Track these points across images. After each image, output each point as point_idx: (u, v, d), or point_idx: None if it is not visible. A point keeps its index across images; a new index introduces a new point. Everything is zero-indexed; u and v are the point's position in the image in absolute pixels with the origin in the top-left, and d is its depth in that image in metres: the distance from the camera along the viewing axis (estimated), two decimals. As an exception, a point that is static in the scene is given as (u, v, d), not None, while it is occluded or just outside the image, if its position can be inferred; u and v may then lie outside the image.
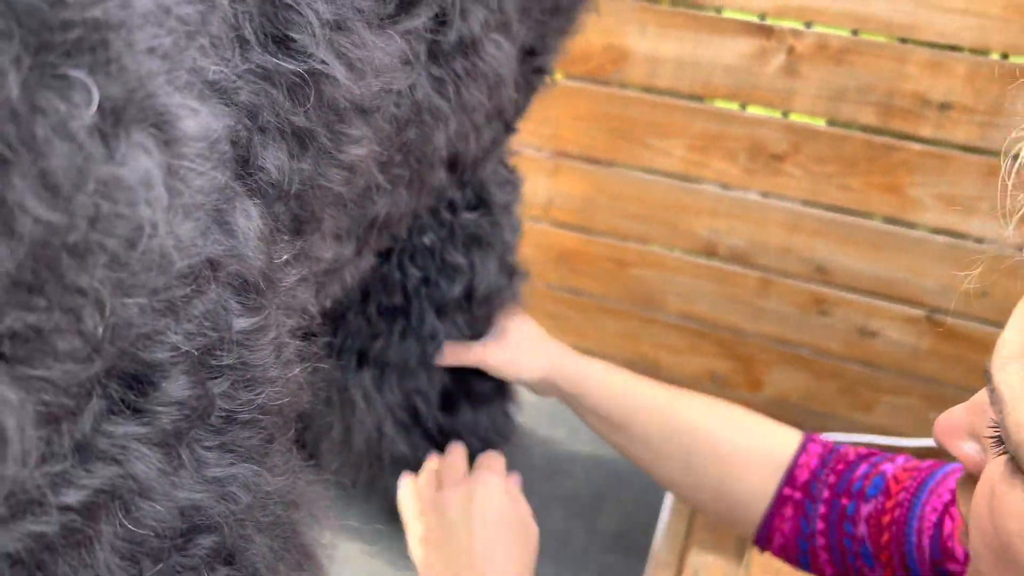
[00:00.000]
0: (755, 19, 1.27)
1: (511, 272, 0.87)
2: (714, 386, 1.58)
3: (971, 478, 0.47)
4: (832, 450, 0.78)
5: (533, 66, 0.76)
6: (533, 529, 0.73)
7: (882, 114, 1.26)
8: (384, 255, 0.77)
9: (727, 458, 0.77)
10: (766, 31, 1.26)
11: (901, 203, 1.32)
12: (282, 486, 0.43)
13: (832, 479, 0.75)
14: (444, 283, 0.78)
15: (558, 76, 1.40)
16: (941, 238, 1.32)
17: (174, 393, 0.35)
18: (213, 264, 0.36)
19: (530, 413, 1.07)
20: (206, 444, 0.37)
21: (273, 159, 0.41)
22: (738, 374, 1.56)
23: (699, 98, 1.36)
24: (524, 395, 1.09)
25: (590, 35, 1.33)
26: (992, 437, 0.43)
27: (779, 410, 1.46)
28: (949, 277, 1.33)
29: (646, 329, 1.60)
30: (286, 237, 0.43)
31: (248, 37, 0.39)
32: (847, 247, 1.39)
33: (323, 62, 0.42)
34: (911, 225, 1.34)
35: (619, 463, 0.99)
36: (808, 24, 1.25)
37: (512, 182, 0.84)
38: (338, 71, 0.43)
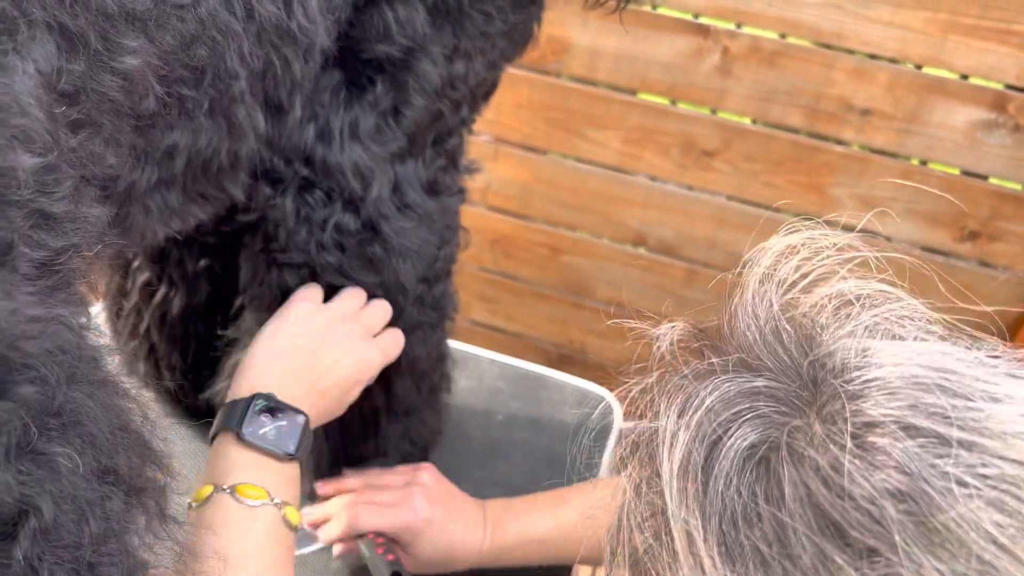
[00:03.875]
0: (691, 18, 1.31)
1: (426, 302, 0.84)
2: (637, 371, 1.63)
3: None
4: None
5: None
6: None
7: (808, 117, 1.32)
8: (296, 267, 0.77)
9: None
10: (703, 30, 1.30)
11: (821, 202, 1.39)
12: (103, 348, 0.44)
13: None
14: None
15: (501, 64, 1.42)
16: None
17: None
18: None
19: (467, 399, 1.09)
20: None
21: (41, 51, 0.42)
22: (662, 360, 1.61)
23: (636, 92, 1.39)
24: (460, 382, 1.11)
25: (533, 25, 1.35)
26: None
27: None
28: (862, 274, 1.41)
29: (575, 314, 1.64)
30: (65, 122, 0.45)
31: None
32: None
33: None
34: (829, 224, 1.41)
35: (555, 449, 1.02)
36: (739, 25, 1.29)
37: (421, 208, 0.79)
38: None
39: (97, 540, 0.40)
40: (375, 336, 0.76)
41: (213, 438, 0.67)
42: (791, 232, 0.46)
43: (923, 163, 1.33)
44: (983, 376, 0.38)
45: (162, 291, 0.89)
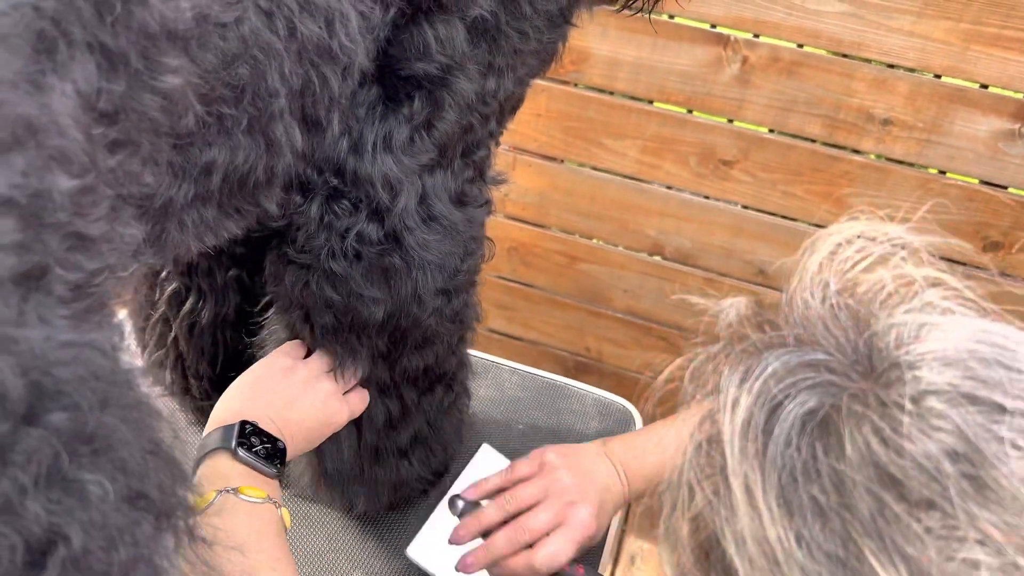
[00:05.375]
0: (709, 27, 1.31)
1: (445, 314, 0.84)
2: (653, 380, 1.63)
3: None
4: None
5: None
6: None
7: (827, 126, 1.32)
8: (305, 268, 0.78)
9: None
10: (722, 40, 1.30)
11: (840, 212, 1.37)
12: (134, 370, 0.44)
13: None
14: (362, 309, 0.79)
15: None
16: (876, 247, 1.39)
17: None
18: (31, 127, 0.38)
19: (487, 409, 1.10)
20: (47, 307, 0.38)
21: (81, 71, 0.42)
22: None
23: (654, 102, 1.39)
24: (480, 391, 1.11)
25: (551, 34, 1.34)
26: None
27: (717, 405, 1.52)
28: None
29: (591, 322, 1.64)
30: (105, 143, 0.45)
31: None
32: (787, 251, 1.44)
33: None
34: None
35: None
36: (757, 35, 1.29)
37: (447, 219, 0.79)
38: None
39: (126, 566, 0.40)
40: (345, 393, 0.83)
41: (201, 460, 0.72)
42: (850, 219, 0.49)
43: (942, 173, 1.32)
44: None
45: (191, 301, 0.89)
